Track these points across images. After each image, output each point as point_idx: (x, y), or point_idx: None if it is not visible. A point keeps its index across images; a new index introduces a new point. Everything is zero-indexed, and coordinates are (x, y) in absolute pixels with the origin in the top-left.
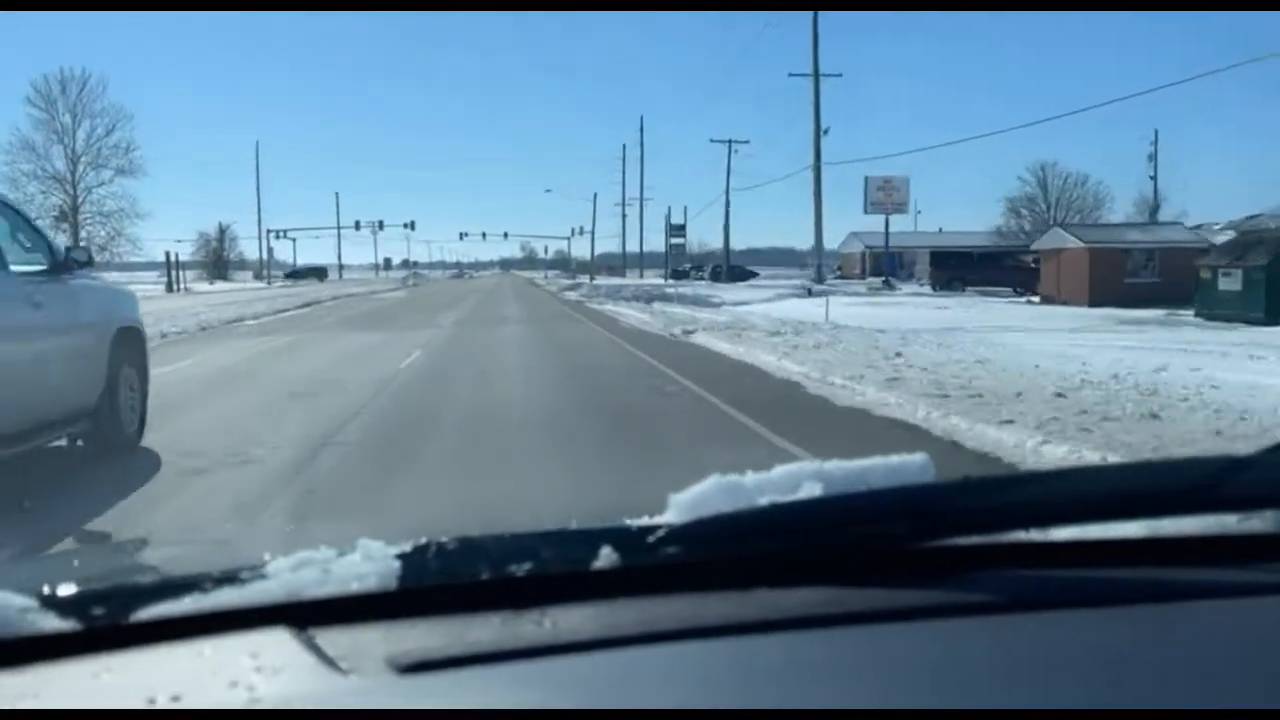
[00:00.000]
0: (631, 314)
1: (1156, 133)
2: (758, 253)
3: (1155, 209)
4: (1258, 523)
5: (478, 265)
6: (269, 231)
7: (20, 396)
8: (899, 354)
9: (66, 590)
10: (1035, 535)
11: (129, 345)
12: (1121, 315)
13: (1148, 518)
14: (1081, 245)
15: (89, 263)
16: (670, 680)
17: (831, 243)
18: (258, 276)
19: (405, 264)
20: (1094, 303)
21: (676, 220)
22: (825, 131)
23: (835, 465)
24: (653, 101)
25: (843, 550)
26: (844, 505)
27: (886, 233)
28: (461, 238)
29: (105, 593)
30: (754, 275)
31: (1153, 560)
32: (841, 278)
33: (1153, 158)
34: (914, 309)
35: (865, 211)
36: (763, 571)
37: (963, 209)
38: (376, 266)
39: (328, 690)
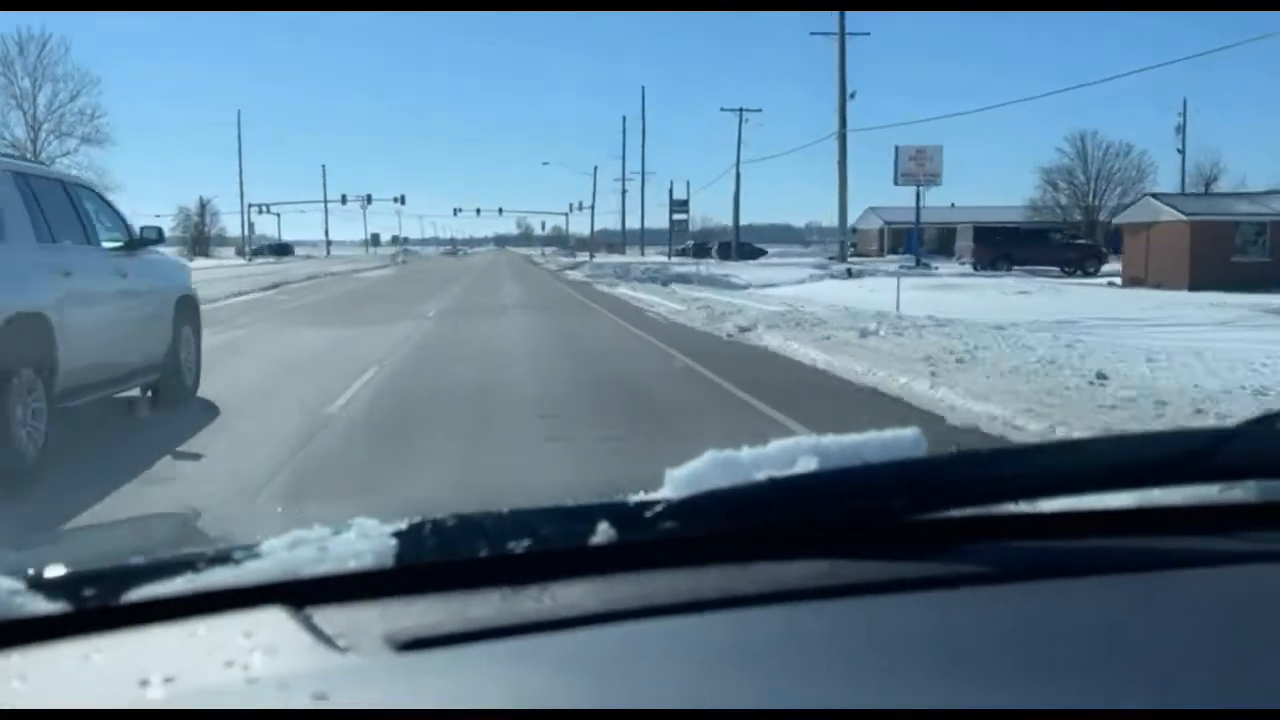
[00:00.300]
0: (655, 300)
1: (1185, 103)
2: (754, 230)
3: (1212, 180)
4: (1240, 492)
5: (472, 242)
6: (251, 206)
7: (115, 349)
8: (1101, 376)
9: (56, 572)
10: (1027, 507)
11: (187, 310)
12: (1248, 301)
13: (1136, 489)
14: (1181, 218)
15: (159, 239)
16: (669, 653)
17: (852, 217)
18: (240, 253)
19: (395, 240)
20: (1195, 285)
21: (679, 196)
22: (851, 96)
23: (831, 440)
24: (655, 73)
25: (839, 523)
26: (840, 479)
27: (918, 207)
28: (455, 213)
29: (95, 574)
30: (763, 253)
31: (1141, 530)
32: (858, 255)
33: (1180, 129)
34: (992, 295)
35: (895, 183)
36: (760, 545)
37: (981, 184)
38: (366, 243)
39: (326, 668)
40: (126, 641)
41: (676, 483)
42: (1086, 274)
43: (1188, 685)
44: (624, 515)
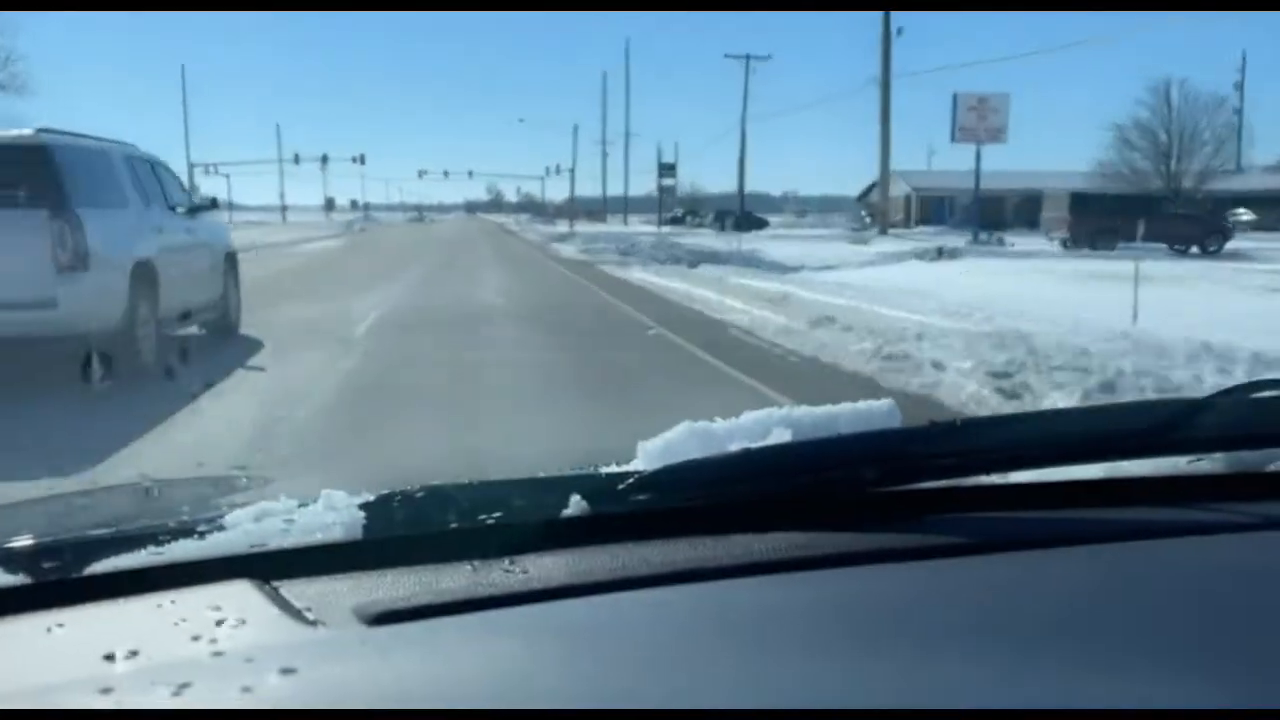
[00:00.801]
0: (708, 295)
1: (1244, 56)
2: (728, 198)
3: None
4: (1208, 464)
5: (440, 209)
6: (196, 166)
7: (190, 291)
8: None
9: (15, 543)
10: (998, 479)
11: (231, 263)
12: None
13: (1106, 460)
14: None
15: (214, 205)
16: (643, 625)
17: (836, 186)
18: None
19: (354, 205)
20: None
21: (667, 160)
22: (898, 33)
23: (804, 411)
24: (639, 26)
25: (812, 495)
26: (814, 450)
27: (978, 170)
28: (420, 176)
29: (55, 545)
30: (765, 223)
31: (1111, 501)
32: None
33: (1239, 86)
34: (1238, 293)
35: (952, 139)
36: (733, 517)
37: (1024, 146)
38: (325, 207)
39: (296, 641)
40: (89, 615)
41: (650, 454)
42: (1207, 252)
43: (1158, 656)
44: (596, 487)
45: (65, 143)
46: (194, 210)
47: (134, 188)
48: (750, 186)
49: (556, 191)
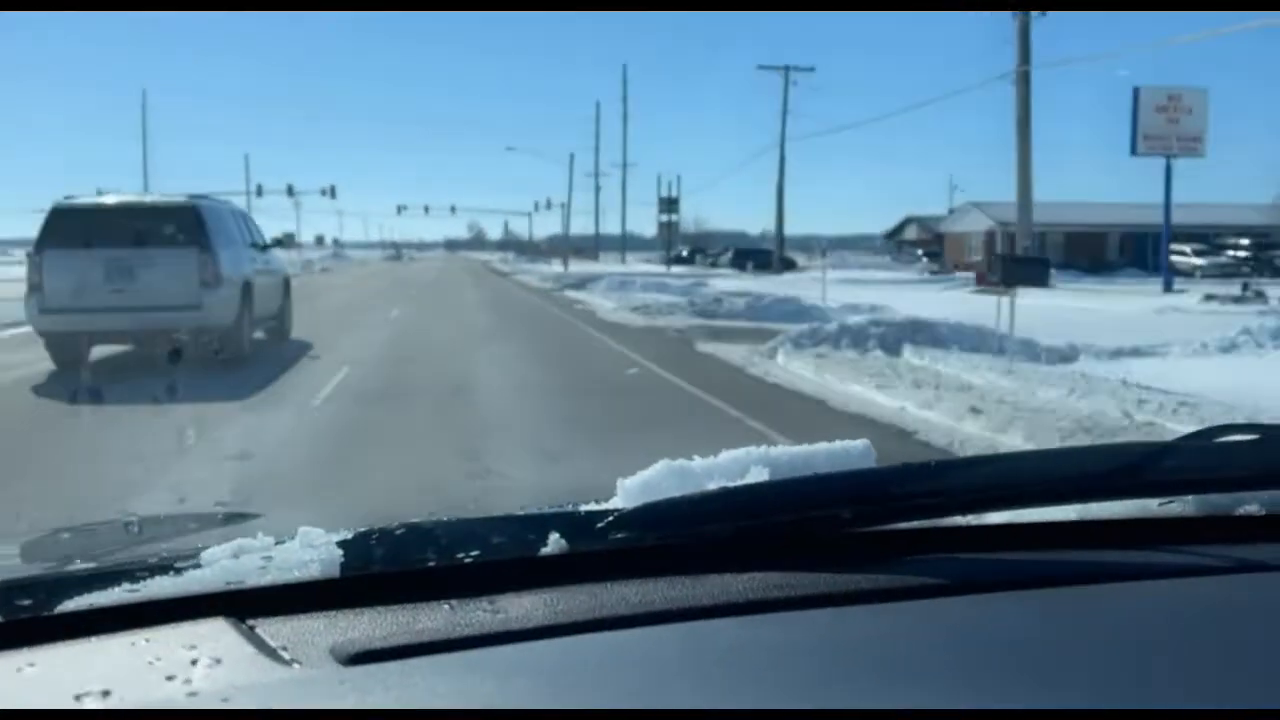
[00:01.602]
0: None
1: None
2: (738, 238)
3: None
4: (1178, 506)
5: (420, 246)
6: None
7: (266, 303)
8: None
9: None
10: (973, 519)
11: (286, 285)
12: None
13: (1079, 501)
14: None
15: (280, 244)
16: (620, 666)
17: (854, 225)
18: None
19: (320, 241)
20: None
21: (668, 194)
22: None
23: (781, 450)
24: (638, 50)
25: (790, 534)
26: (791, 490)
27: (1168, 192)
28: (399, 212)
29: (29, 582)
30: (794, 264)
31: (1084, 543)
32: (938, 268)
33: None
34: None
35: (1133, 151)
36: (711, 555)
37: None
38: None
39: (271, 681)
40: (62, 653)
41: (629, 492)
42: None
43: (1130, 695)
44: (575, 525)
45: (204, 204)
46: (266, 247)
47: (238, 231)
48: (759, 225)
49: (547, 227)
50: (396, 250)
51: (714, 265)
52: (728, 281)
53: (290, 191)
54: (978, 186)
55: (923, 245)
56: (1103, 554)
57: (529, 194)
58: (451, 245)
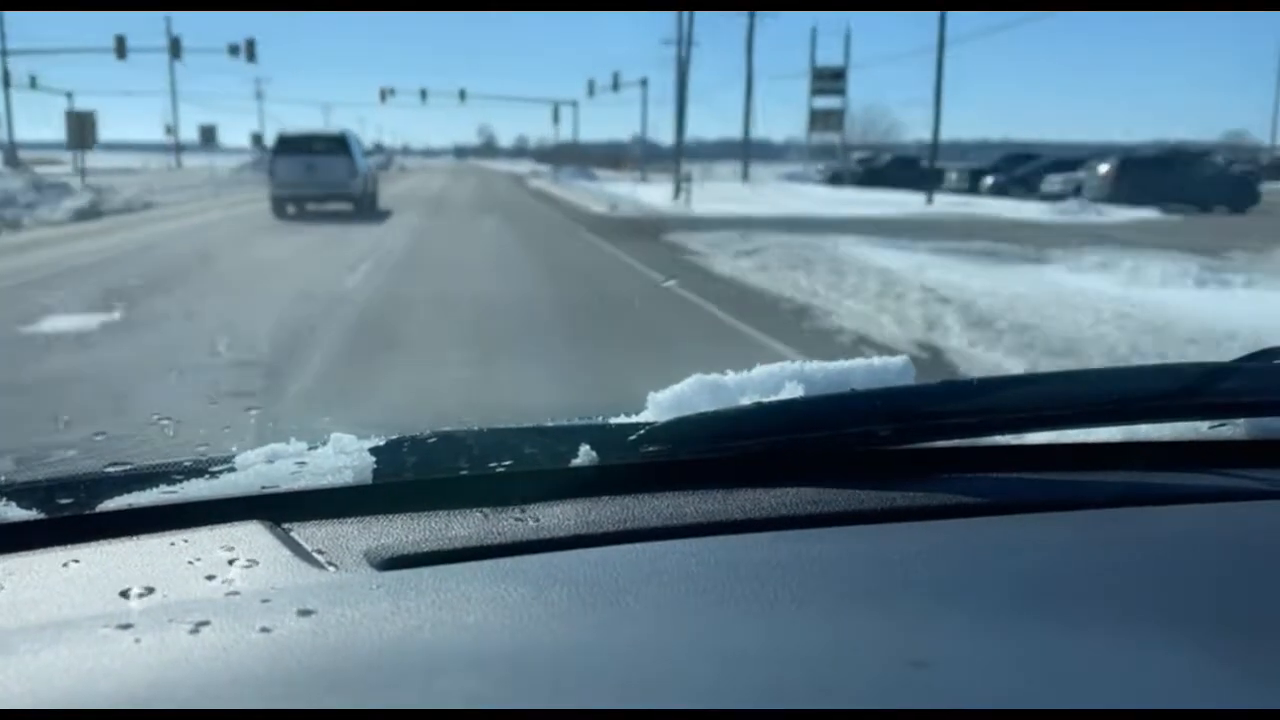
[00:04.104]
0: None
1: None
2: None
3: None
4: (1230, 429)
5: (409, 153)
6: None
7: (371, 186)
8: None
9: (30, 478)
10: (1013, 439)
11: (374, 176)
12: None
13: (1125, 422)
14: None
15: (375, 151)
16: (651, 577)
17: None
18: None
19: (258, 142)
20: None
21: (824, 58)
22: None
23: (817, 366)
24: None
25: (824, 450)
26: (827, 406)
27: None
28: (383, 99)
29: (70, 481)
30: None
31: (1129, 464)
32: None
33: None
34: None
35: None
36: (743, 471)
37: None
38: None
39: (309, 584)
40: (104, 551)
41: (660, 406)
42: None
43: (1175, 622)
44: (606, 438)
45: (348, 132)
46: (368, 154)
47: (359, 148)
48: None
49: (588, 128)
50: (384, 154)
51: (962, 187)
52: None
53: (176, 48)
54: None
55: None
56: (1148, 476)
57: (562, 83)
58: (460, 152)
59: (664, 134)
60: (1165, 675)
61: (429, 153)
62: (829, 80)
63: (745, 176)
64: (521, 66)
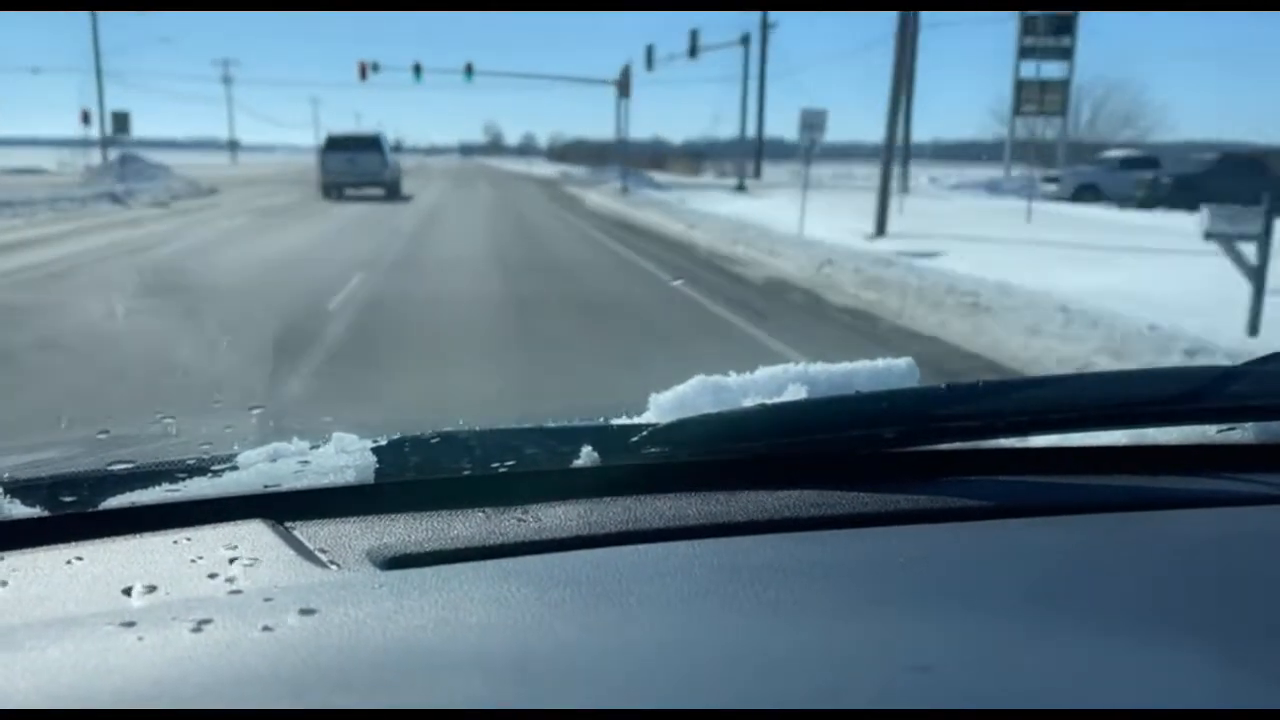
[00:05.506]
0: None
1: None
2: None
3: None
4: (1238, 434)
5: (431, 151)
6: None
7: (399, 176)
8: None
9: (33, 475)
10: (1017, 442)
11: (400, 169)
12: None
13: (1132, 426)
14: None
15: (398, 149)
16: (653, 578)
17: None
18: None
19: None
20: None
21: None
22: None
23: (820, 368)
24: None
25: (828, 453)
26: (830, 408)
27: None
28: (363, 75)
29: (74, 478)
30: None
31: (1136, 469)
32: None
33: None
34: None
35: None
36: (746, 473)
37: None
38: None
39: (311, 582)
40: (107, 548)
41: (662, 407)
42: None
43: (1180, 626)
44: (608, 439)
45: (379, 134)
46: (392, 150)
47: (387, 145)
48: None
49: (594, 128)
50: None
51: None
52: None
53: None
54: None
55: None
56: (1155, 480)
57: (594, 61)
58: (466, 150)
59: (677, 131)
60: (1171, 679)
61: (432, 150)
62: (1047, 35)
63: (905, 188)
64: (536, 46)
